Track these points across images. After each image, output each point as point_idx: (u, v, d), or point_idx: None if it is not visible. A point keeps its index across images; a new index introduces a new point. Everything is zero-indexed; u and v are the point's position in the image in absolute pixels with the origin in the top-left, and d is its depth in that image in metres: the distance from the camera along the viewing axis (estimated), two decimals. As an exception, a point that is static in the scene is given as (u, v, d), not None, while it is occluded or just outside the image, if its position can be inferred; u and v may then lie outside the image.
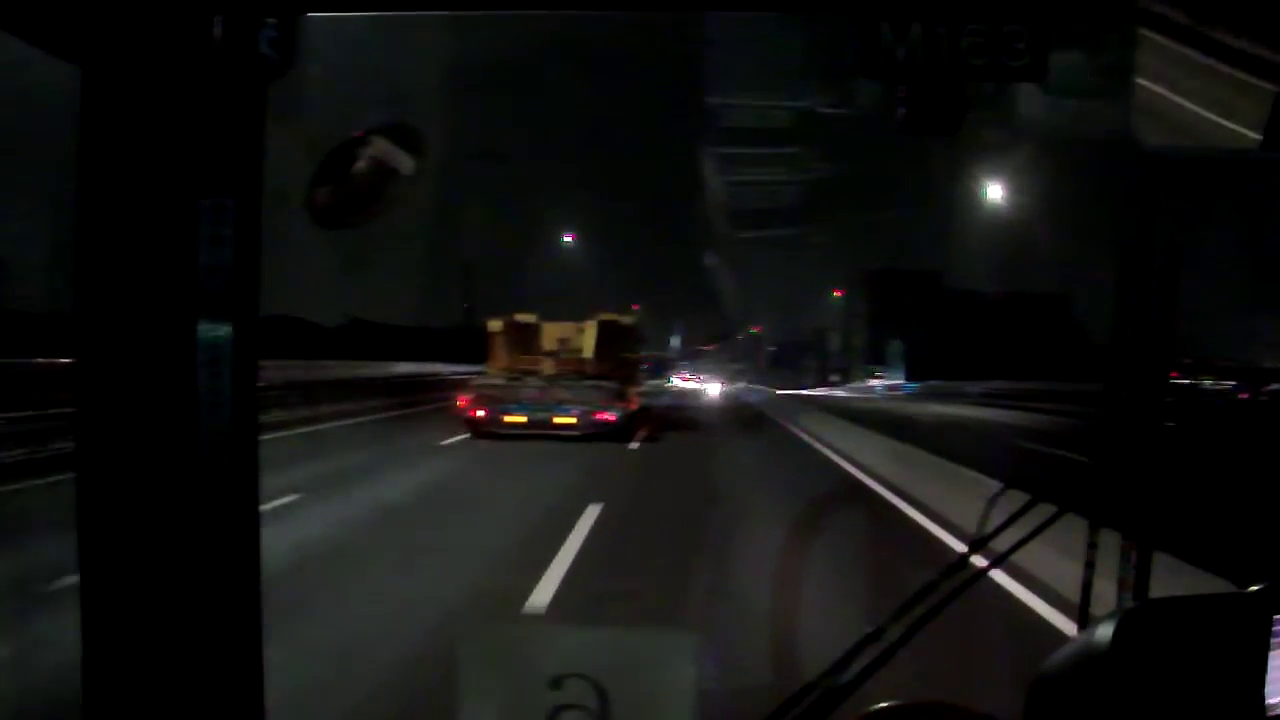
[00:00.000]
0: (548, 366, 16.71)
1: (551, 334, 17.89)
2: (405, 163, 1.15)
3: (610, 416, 15.63)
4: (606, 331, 17.66)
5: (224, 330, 1.04)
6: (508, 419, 15.31)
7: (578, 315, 18.40)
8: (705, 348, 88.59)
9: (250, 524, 1.08)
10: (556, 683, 1.01)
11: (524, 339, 17.54)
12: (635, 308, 23.27)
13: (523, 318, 17.90)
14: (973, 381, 43.07)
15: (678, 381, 69.38)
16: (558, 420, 15.38)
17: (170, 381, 1.02)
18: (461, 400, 16.24)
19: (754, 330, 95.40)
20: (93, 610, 1.03)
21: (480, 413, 15.43)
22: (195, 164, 1.02)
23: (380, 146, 1.13)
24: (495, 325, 17.65)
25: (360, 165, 1.12)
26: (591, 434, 15.19)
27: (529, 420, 15.34)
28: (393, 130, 1.15)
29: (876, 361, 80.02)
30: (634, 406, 17.47)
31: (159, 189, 1.01)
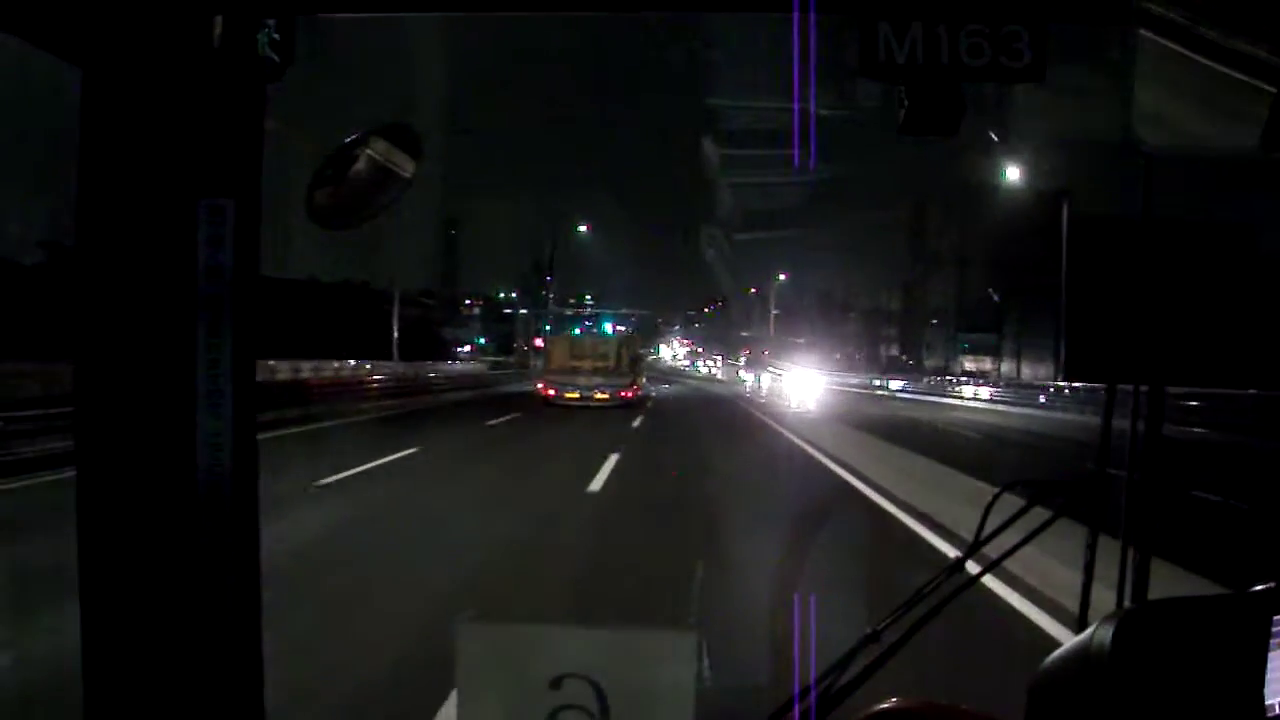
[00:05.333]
0: (588, 364, 27.22)
1: (589, 344, 28.75)
2: (405, 164, 1.15)
3: (629, 394, 26.84)
4: (624, 342, 29.43)
5: (223, 330, 1.04)
6: (567, 395, 26.00)
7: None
8: (702, 310, 72.29)
9: (250, 524, 1.08)
10: (556, 683, 1.01)
11: (572, 347, 28.34)
12: (588, 228, 34.21)
13: (567, 336, 30.49)
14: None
15: (666, 354, 63.13)
16: (597, 396, 26.06)
17: (169, 381, 1.02)
18: (540, 383, 27.56)
19: (781, 276, 62.69)
20: (93, 610, 1.03)
21: (551, 392, 26.32)
22: (195, 165, 1.02)
23: (379, 148, 1.13)
24: (553, 341, 30.34)
25: (359, 167, 1.12)
26: (617, 405, 25.54)
27: (580, 396, 25.89)
28: (392, 132, 1.14)
29: (981, 329, 44.56)
30: (639, 391, 28.83)
31: (159, 190, 1.01)
